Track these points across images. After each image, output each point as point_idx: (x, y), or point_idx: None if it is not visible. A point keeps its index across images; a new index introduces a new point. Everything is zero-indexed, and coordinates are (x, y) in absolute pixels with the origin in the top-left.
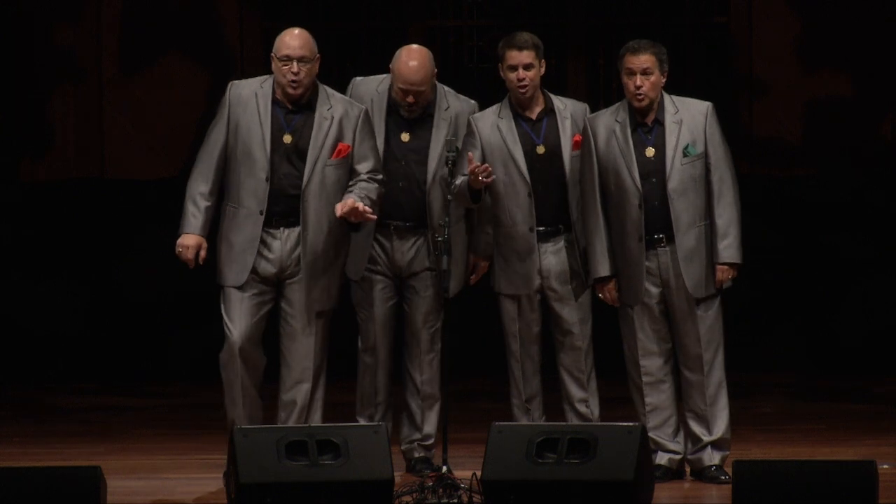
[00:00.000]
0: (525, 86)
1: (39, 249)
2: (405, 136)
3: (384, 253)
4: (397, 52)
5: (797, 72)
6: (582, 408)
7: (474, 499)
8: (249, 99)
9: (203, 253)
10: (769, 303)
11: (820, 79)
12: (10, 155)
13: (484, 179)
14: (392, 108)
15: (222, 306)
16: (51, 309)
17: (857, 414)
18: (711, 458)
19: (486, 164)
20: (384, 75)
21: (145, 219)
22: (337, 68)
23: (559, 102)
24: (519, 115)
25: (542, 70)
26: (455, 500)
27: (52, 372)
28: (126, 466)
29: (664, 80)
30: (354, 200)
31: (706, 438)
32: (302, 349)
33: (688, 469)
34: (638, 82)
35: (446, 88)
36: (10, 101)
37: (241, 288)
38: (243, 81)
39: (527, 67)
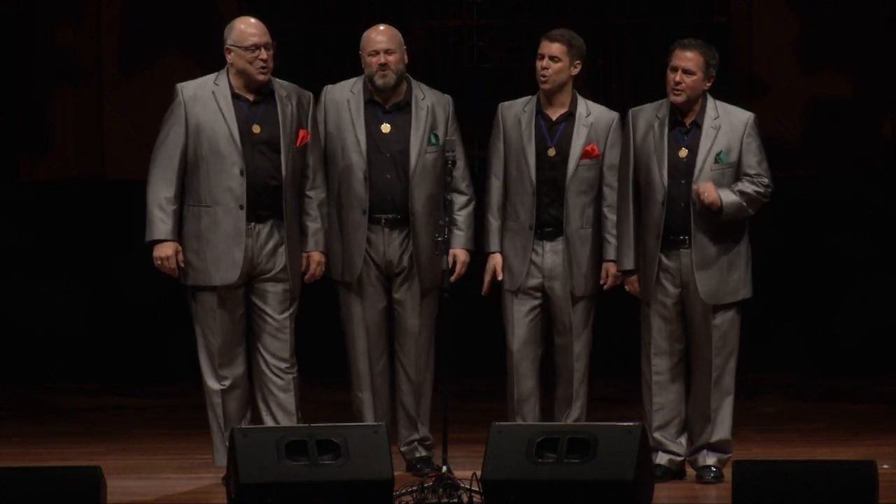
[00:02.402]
0: (546, 77)
1: (39, 249)
2: (386, 128)
3: (375, 250)
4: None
5: (797, 72)
6: (562, 410)
7: (474, 499)
8: (206, 97)
9: (181, 256)
10: (769, 303)
11: (820, 79)
12: (10, 155)
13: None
14: (369, 104)
15: (200, 310)
16: (51, 309)
17: (857, 414)
18: (706, 458)
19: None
20: (354, 78)
21: (145, 219)
22: (337, 68)
23: (584, 108)
24: (541, 114)
25: (576, 71)
26: (455, 500)
27: (52, 372)
28: (126, 466)
29: (708, 84)
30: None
31: (705, 441)
32: (284, 344)
33: (688, 469)
34: (678, 78)
35: (419, 83)
36: (10, 101)
37: (226, 288)
38: (192, 82)
39: (553, 59)
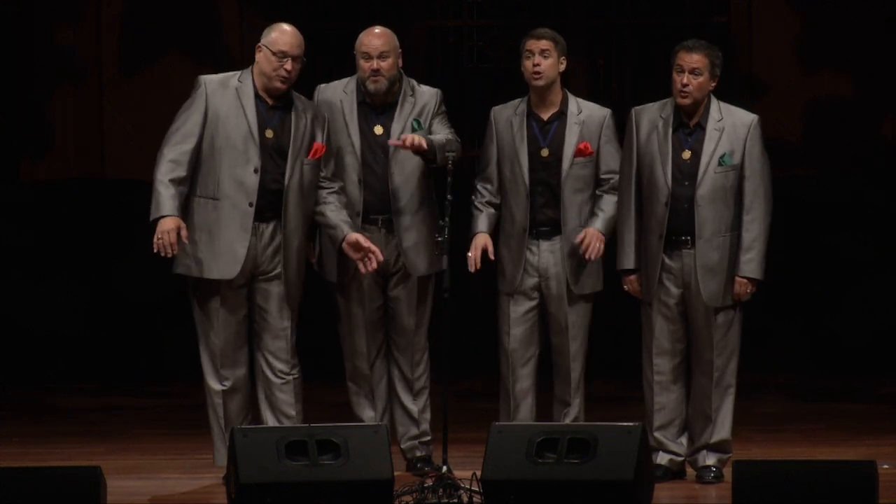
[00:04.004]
0: (539, 73)
1: (39, 249)
2: (378, 129)
3: None
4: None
5: (797, 72)
6: (560, 410)
7: (474, 499)
8: (228, 92)
9: (185, 233)
10: (769, 303)
11: (820, 79)
12: (10, 155)
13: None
14: (362, 105)
15: (202, 310)
16: (51, 309)
17: (857, 414)
18: (706, 459)
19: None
20: (348, 78)
21: (145, 219)
22: (337, 68)
23: (574, 106)
24: (532, 115)
25: (562, 67)
26: (455, 500)
27: (52, 372)
28: (126, 466)
29: (714, 85)
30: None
31: (706, 441)
32: (284, 344)
33: (688, 469)
34: (685, 80)
35: (412, 81)
36: (10, 101)
37: (228, 286)
38: (215, 76)
39: (543, 54)
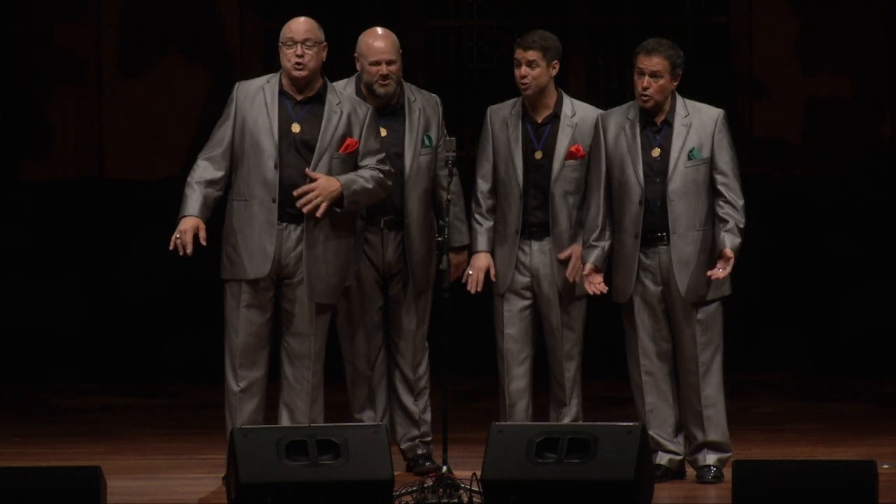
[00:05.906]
0: (526, 83)
1: (39, 249)
2: (382, 132)
3: (373, 252)
4: (360, 37)
5: (797, 72)
6: (557, 411)
7: (474, 499)
8: (256, 93)
9: (202, 234)
10: (769, 303)
11: (820, 79)
12: (10, 155)
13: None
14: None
15: (228, 307)
16: (51, 309)
17: (857, 414)
18: (706, 458)
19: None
20: (345, 80)
21: (145, 219)
22: (337, 68)
23: (569, 108)
24: (527, 117)
25: (554, 71)
26: (455, 500)
27: (52, 372)
28: (126, 466)
29: (675, 84)
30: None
31: (701, 439)
32: (307, 350)
33: (688, 469)
34: (645, 83)
35: (409, 84)
36: (10, 101)
37: (257, 286)
38: (250, 81)
39: (530, 65)
